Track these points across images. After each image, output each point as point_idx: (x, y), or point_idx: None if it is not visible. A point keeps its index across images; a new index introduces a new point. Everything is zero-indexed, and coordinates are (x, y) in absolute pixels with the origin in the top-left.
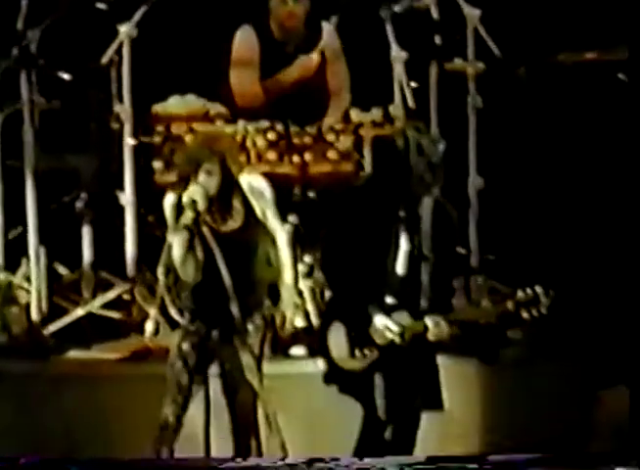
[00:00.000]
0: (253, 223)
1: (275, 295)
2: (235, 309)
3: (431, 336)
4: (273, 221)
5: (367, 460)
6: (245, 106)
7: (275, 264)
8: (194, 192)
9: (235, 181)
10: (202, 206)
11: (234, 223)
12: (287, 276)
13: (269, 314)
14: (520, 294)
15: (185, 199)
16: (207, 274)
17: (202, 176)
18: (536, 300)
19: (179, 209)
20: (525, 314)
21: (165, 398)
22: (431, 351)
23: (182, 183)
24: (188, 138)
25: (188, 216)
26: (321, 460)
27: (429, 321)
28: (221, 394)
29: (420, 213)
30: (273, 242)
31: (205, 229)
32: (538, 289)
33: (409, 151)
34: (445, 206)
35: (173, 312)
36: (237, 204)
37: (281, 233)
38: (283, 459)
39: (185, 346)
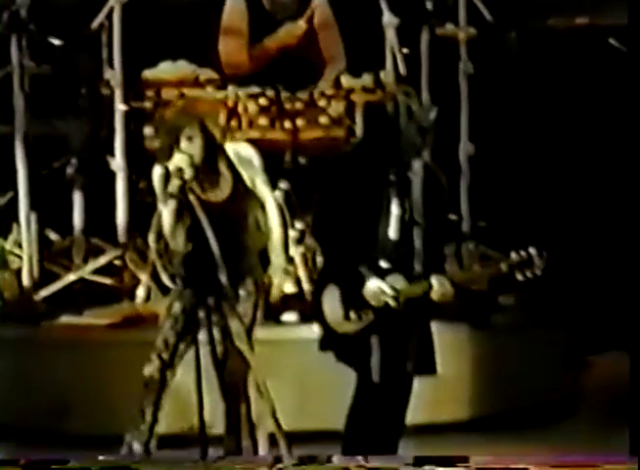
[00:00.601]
0: (242, 192)
1: (267, 260)
2: (223, 277)
3: (435, 296)
4: (262, 189)
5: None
6: (231, 73)
7: (265, 229)
8: (179, 160)
9: (219, 146)
10: (188, 174)
11: (222, 193)
12: (276, 242)
13: (261, 280)
14: (513, 256)
15: (171, 167)
16: (198, 243)
17: (184, 143)
18: (530, 261)
19: (167, 179)
20: (519, 276)
21: (152, 354)
22: (425, 315)
23: (166, 153)
24: (175, 104)
25: (174, 184)
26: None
27: (434, 281)
28: (210, 360)
29: (410, 178)
30: (263, 208)
31: (192, 198)
32: (532, 250)
33: (399, 115)
34: (435, 171)
35: (165, 278)
36: (224, 170)
37: (270, 200)
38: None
39: (176, 307)
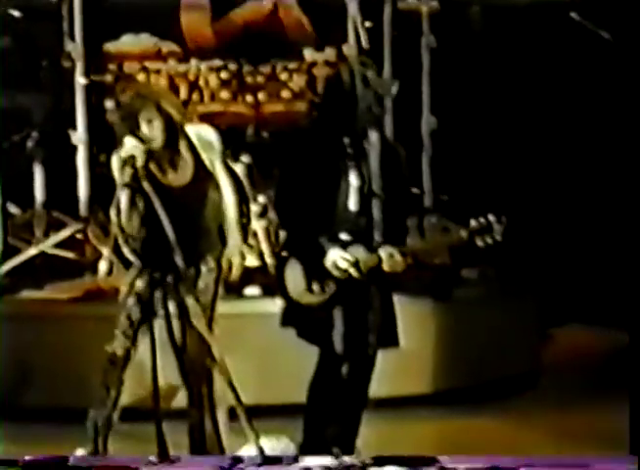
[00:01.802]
0: (203, 174)
1: (223, 240)
2: (179, 260)
3: (385, 267)
4: (220, 173)
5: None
6: (195, 47)
7: (221, 213)
8: (131, 148)
9: (180, 126)
10: (140, 161)
11: (184, 176)
12: (231, 223)
13: (217, 258)
14: (473, 223)
15: (123, 154)
16: (155, 226)
17: (144, 126)
18: (489, 227)
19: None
20: (479, 242)
21: (115, 331)
22: (386, 286)
23: (124, 136)
24: (139, 77)
25: (127, 173)
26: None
27: (382, 253)
28: (167, 338)
29: (368, 150)
30: (217, 188)
31: (145, 185)
32: (491, 217)
33: (355, 83)
34: (393, 142)
35: (127, 252)
36: (184, 152)
37: (225, 181)
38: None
39: (139, 283)
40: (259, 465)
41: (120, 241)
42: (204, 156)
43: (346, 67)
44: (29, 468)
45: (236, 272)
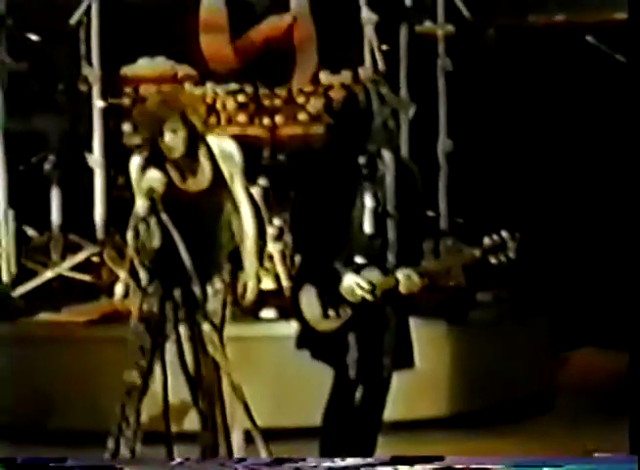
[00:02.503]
0: (221, 185)
1: (237, 260)
2: (196, 287)
3: (402, 289)
4: (239, 190)
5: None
6: (218, 69)
7: (237, 231)
8: (152, 179)
9: (201, 136)
10: (159, 192)
11: (201, 182)
12: (250, 248)
13: (230, 279)
14: (486, 240)
15: (144, 185)
16: (170, 249)
17: (167, 136)
18: (503, 245)
19: (144, 169)
20: (492, 260)
21: (129, 361)
22: (402, 307)
23: (148, 145)
24: (150, 97)
25: (144, 206)
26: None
27: (400, 275)
28: (178, 365)
29: (382, 170)
30: (237, 210)
31: (163, 216)
32: (504, 234)
33: (371, 100)
34: (408, 163)
35: (142, 275)
36: (204, 161)
37: (246, 205)
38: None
39: (145, 307)
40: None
41: (136, 264)
42: (223, 167)
43: (361, 86)
44: (27, 468)
45: (250, 296)
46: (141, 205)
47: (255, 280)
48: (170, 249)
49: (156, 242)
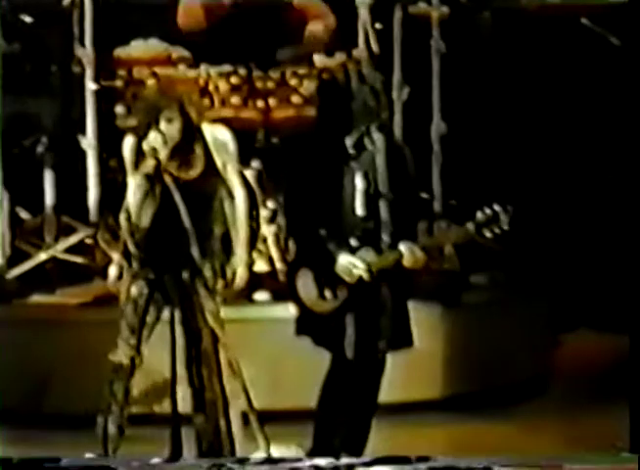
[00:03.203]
0: (213, 173)
1: (228, 247)
2: (195, 251)
3: (406, 263)
4: (233, 177)
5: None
6: (188, 29)
7: (229, 218)
8: (154, 140)
9: (196, 127)
10: (162, 154)
11: (194, 171)
12: (242, 235)
13: (220, 265)
14: (479, 215)
15: (145, 147)
16: (162, 221)
17: (163, 124)
18: (496, 217)
19: (138, 152)
20: (487, 234)
21: (118, 340)
22: (399, 286)
23: (143, 130)
24: (149, 83)
25: (149, 164)
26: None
27: (403, 248)
28: (181, 339)
29: (372, 151)
30: (230, 195)
31: (167, 178)
32: (497, 207)
33: (350, 80)
34: (398, 142)
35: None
36: (198, 150)
37: (239, 189)
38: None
39: (134, 289)
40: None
41: (130, 246)
42: (215, 156)
43: (341, 67)
44: (22, 467)
45: (239, 283)
46: (134, 185)
47: (245, 267)
48: (165, 222)
49: (150, 213)
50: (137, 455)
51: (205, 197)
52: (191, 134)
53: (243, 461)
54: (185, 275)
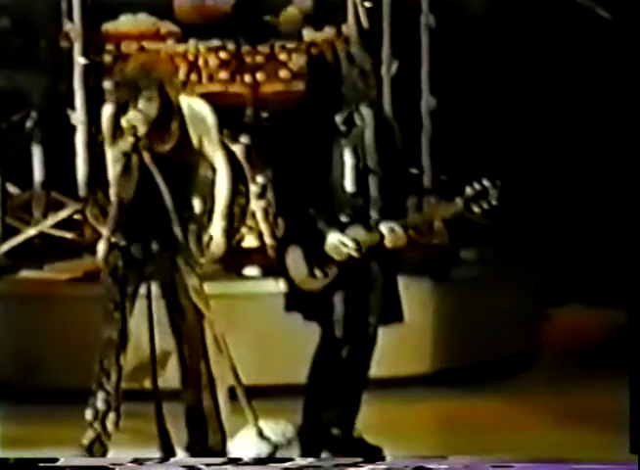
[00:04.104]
0: (187, 147)
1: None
2: (177, 228)
3: (387, 243)
4: (210, 149)
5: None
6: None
7: (210, 192)
8: (133, 118)
9: (174, 105)
10: (141, 131)
11: (168, 145)
12: (219, 202)
13: (195, 238)
14: (468, 190)
15: (125, 124)
16: (142, 196)
17: (141, 103)
18: (485, 192)
19: (116, 125)
20: (475, 209)
21: (103, 315)
22: (388, 263)
23: (122, 107)
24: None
25: (128, 141)
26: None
27: (383, 228)
28: (165, 315)
29: (361, 127)
30: (212, 169)
31: (145, 155)
32: (485, 182)
33: (339, 61)
34: (387, 118)
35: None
36: (174, 126)
37: (220, 162)
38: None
39: (111, 259)
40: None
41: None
42: (190, 129)
43: (329, 46)
44: (18, 467)
45: (215, 250)
46: (113, 155)
47: (222, 233)
48: (145, 197)
49: (129, 188)
50: (132, 452)
51: (183, 171)
52: (169, 113)
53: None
54: (166, 251)
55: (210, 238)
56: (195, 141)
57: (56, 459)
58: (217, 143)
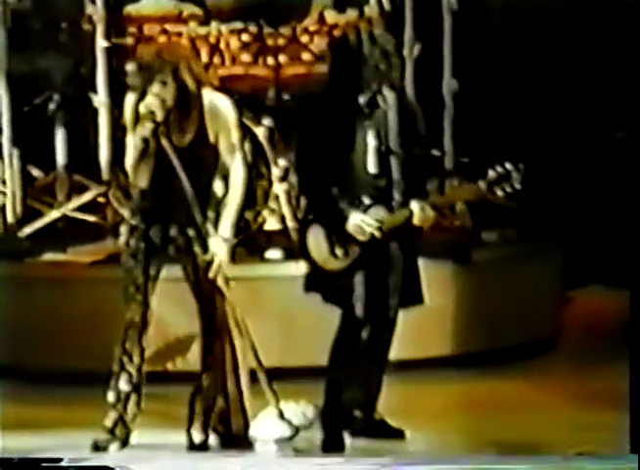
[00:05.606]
0: (204, 141)
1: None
2: (197, 213)
3: (416, 221)
4: (230, 150)
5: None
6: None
7: (221, 190)
8: (151, 103)
9: (192, 93)
10: (159, 116)
11: (186, 137)
12: (235, 196)
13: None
14: (490, 173)
15: (142, 110)
16: (161, 181)
17: (156, 86)
18: (507, 175)
19: (137, 111)
20: (498, 192)
21: (125, 298)
22: (409, 245)
23: (140, 90)
24: (148, 45)
25: (147, 127)
26: None
27: (414, 206)
28: (188, 298)
29: (384, 109)
30: (226, 165)
31: (164, 141)
32: (508, 165)
33: (362, 42)
34: (409, 101)
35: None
36: (194, 115)
37: (237, 163)
38: None
39: (132, 242)
40: None
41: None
42: (208, 124)
43: (352, 27)
44: (22, 467)
45: (214, 269)
46: (135, 140)
47: (227, 255)
48: (165, 183)
49: (147, 174)
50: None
51: (202, 162)
52: (186, 100)
53: None
54: (185, 234)
55: (213, 255)
56: (211, 137)
57: (60, 459)
58: (237, 144)
